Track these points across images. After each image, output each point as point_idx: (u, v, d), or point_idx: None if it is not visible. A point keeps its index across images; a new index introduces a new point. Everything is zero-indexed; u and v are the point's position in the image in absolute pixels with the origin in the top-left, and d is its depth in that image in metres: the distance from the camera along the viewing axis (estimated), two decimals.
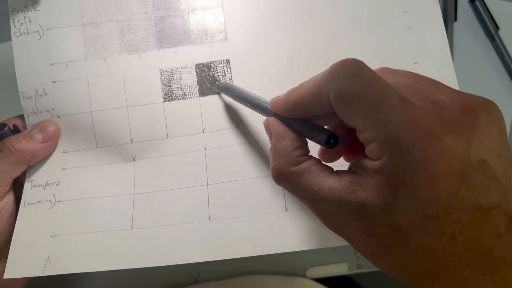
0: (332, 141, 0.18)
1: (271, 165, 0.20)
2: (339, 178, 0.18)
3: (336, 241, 0.25)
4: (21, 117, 0.30)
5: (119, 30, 0.30)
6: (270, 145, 0.21)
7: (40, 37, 0.29)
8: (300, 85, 0.20)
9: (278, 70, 0.29)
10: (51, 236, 0.26)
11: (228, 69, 0.29)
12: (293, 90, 0.20)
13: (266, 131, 0.22)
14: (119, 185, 0.28)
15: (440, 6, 0.39)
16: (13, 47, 0.29)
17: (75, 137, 0.29)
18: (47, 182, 0.28)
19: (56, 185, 0.28)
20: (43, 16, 0.30)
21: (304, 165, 0.19)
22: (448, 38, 0.39)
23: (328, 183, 0.18)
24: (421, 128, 0.15)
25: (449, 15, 0.40)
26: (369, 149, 0.16)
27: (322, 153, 0.22)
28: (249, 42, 0.30)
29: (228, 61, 0.30)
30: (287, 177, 0.19)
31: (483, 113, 0.16)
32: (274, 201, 0.27)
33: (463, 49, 0.40)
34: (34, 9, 0.30)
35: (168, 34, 0.30)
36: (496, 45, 0.39)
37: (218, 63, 0.30)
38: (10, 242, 0.27)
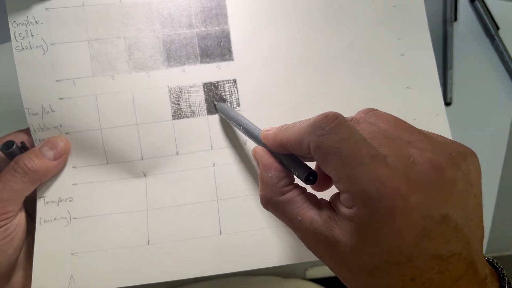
0: (311, 178, 0.20)
1: (259, 193, 0.22)
2: (319, 211, 0.20)
3: None
4: (25, 131, 0.30)
5: (126, 47, 0.30)
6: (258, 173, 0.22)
7: (44, 52, 0.29)
8: (287, 128, 0.21)
9: (283, 91, 0.31)
10: (72, 254, 0.28)
11: (235, 89, 0.31)
12: (279, 130, 0.22)
13: (254, 160, 0.24)
14: (131, 201, 0.29)
15: (440, 6, 0.41)
16: (16, 62, 0.29)
17: (85, 153, 0.30)
18: (59, 198, 0.29)
19: (70, 201, 0.29)
20: (46, 31, 0.29)
21: (289, 195, 0.21)
22: (448, 38, 0.40)
23: (310, 215, 0.20)
24: (388, 187, 0.16)
25: (449, 15, 0.40)
26: (343, 197, 0.18)
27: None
28: (255, 63, 0.31)
29: (235, 81, 0.31)
30: (274, 205, 0.21)
31: (450, 171, 0.17)
32: None
33: (463, 49, 0.41)
34: (36, 22, 0.29)
35: (176, 53, 0.30)
36: (496, 45, 0.40)
37: (225, 82, 0.31)
38: (20, 256, 0.28)
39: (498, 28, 0.40)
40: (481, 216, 0.19)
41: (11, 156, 0.28)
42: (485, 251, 0.40)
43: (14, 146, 0.28)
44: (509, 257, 0.41)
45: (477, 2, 0.40)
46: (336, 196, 0.19)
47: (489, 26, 0.40)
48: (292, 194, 0.21)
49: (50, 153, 0.28)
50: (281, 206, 0.21)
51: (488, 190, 0.41)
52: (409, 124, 0.20)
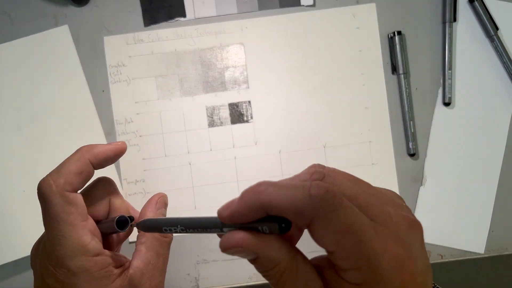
0: (283, 225, 0.19)
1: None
2: None
3: None
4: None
5: (179, 80, 0.46)
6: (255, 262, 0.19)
7: (128, 84, 0.45)
8: (269, 191, 0.19)
9: (285, 110, 0.46)
10: None
11: (250, 107, 0.46)
12: (257, 192, 0.19)
13: (235, 253, 0.19)
14: (183, 181, 0.45)
15: (439, 7, 0.43)
16: (110, 91, 0.45)
17: (151, 149, 0.46)
18: (136, 180, 0.45)
19: (143, 182, 0.45)
20: (129, 70, 0.45)
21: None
22: (447, 39, 0.42)
23: None
24: (395, 256, 0.18)
25: (448, 15, 0.41)
26: (349, 274, 0.18)
27: None
28: (265, 89, 0.46)
29: (249, 101, 0.46)
30: None
31: (419, 223, 0.20)
32: None
33: (463, 50, 0.41)
34: (123, 65, 0.45)
35: (211, 83, 0.46)
36: (495, 46, 0.40)
37: (243, 103, 0.46)
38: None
39: (497, 29, 0.40)
40: None
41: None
42: (484, 251, 0.41)
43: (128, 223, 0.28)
44: (508, 257, 0.41)
45: (476, 3, 0.40)
46: (332, 276, 0.19)
47: (488, 26, 0.40)
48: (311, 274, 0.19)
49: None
50: None
51: (487, 190, 0.42)
52: (359, 178, 0.21)
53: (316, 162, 0.21)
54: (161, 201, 0.32)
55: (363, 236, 0.17)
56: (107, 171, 0.44)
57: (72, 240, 0.25)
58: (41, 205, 0.26)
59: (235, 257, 0.20)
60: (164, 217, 0.27)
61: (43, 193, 0.25)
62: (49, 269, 0.25)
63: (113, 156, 0.29)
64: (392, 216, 0.19)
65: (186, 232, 0.23)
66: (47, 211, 0.25)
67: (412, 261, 0.18)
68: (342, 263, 0.18)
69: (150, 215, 0.30)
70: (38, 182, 0.27)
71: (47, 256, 0.26)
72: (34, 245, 0.29)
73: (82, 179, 0.27)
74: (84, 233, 0.26)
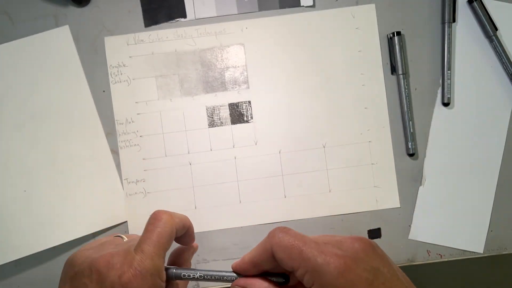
0: (283, 280, 0.27)
1: None
2: None
3: (325, 212, 0.44)
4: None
5: (179, 80, 0.46)
6: None
7: (128, 84, 0.45)
8: (250, 251, 0.27)
9: (284, 109, 0.46)
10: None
11: (250, 107, 0.46)
12: (245, 255, 0.27)
13: None
14: (183, 181, 0.45)
15: (439, 8, 0.43)
16: (111, 91, 0.45)
17: (151, 149, 0.46)
18: (137, 179, 0.45)
19: (143, 181, 0.45)
20: (130, 71, 0.45)
21: None
22: (447, 39, 0.42)
23: None
24: (341, 265, 0.23)
25: (448, 16, 0.41)
26: (305, 281, 0.24)
27: None
28: (265, 89, 0.46)
29: (249, 102, 0.46)
30: None
31: (371, 243, 0.25)
32: (277, 191, 0.45)
33: (462, 50, 0.41)
34: (124, 65, 0.45)
35: (211, 84, 0.46)
36: (494, 46, 0.40)
37: (243, 103, 0.46)
38: None
39: (496, 29, 0.40)
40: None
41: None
42: (483, 251, 0.42)
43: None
44: (507, 256, 0.41)
45: (475, 3, 0.40)
46: None
47: (487, 27, 0.40)
48: None
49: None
50: None
51: (486, 190, 0.42)
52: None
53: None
54: (193, 252, 0.38)
55: (306, 246, 0.24)
56: (108, 171, 0.45)
57: None
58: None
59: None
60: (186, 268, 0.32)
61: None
62: None
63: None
64: (340, 241, 0.25)
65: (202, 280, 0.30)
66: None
67: (355, 265, 0.23)
68: (299, 275, 0.24)
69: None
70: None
71: None
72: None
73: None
74: None
